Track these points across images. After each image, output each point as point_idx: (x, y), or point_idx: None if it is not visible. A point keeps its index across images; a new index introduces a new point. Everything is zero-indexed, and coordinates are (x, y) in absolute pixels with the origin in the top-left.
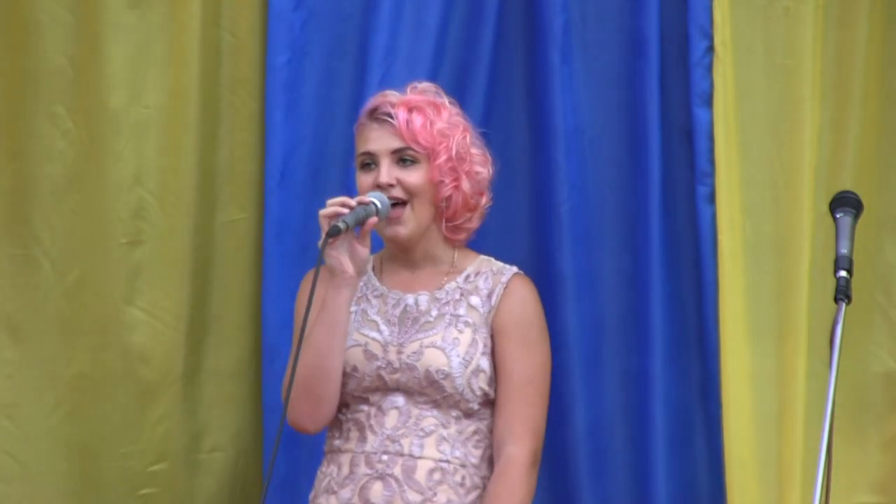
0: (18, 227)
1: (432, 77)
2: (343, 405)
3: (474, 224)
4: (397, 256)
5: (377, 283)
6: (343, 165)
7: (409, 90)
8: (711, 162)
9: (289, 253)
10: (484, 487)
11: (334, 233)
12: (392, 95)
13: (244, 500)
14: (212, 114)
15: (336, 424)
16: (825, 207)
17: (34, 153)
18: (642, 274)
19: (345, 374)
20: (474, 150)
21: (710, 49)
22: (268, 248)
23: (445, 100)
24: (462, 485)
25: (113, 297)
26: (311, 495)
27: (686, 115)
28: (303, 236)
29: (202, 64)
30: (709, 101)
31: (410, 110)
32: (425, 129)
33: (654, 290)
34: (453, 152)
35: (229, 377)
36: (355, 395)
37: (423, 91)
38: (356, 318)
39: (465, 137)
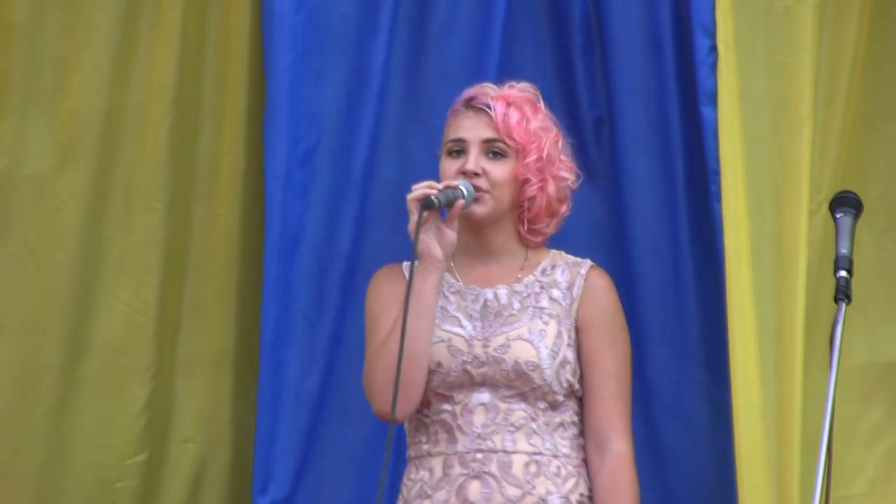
0: (3, 225)
1: (435, 76)
2: (425, 404)
3: (551, 230)
4: (470, 248)
5: (452, 280)
6: (342, 166)
7: (506, 87)
8: (718, 160)
9: (287, 252)
10: (578, 475)
11: (429, 205)
12: (490, 88)
13: (211, 492)
14: (191, 109)
15: (421, 428)
16: (815, 204)
17: (18, 150)
18: (670, 269)
19: (429, 371)
20: (563, 157)
21: (714, 48)
22: (269, 248)
23: (542, 103)
24: (558, 475)
25: (92, 289)
26: None
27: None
28: (302, 235)
29: (181, 60)
30: (714, 100)
31: (509, 104)
32: (521, 125)
33: (685, 287)
34: (544, 153)
35: (207, 370)
36: (438, 393)
37: (523, 89)
38: (436, 315)
39: (556, 142)
